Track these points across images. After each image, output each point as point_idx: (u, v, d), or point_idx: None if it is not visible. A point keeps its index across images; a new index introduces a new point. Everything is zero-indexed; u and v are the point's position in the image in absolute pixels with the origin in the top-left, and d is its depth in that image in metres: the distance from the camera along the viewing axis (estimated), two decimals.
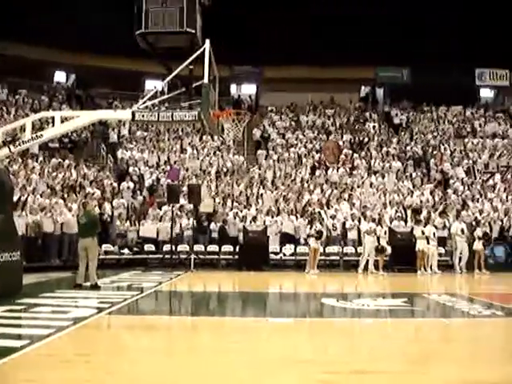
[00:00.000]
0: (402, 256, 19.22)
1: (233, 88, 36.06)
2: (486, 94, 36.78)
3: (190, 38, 13.35)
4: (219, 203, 21.83)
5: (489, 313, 10.02)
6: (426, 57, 30.83)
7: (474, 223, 20.11)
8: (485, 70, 34.93)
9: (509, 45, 30.38)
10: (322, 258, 19.87)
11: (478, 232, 19.59)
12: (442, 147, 27.92)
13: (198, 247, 20.28)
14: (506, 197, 23.46)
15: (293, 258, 20.26)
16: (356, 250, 20.18)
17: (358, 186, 23.83)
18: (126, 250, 20.26)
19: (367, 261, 18.90)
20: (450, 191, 23.86)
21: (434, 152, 27.49)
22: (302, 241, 20.37)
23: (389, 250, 19.07)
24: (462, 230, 19.53)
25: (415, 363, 6.31)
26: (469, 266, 19.36)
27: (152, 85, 27.64)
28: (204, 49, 12.85)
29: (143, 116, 13.37)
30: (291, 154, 26.88)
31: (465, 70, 33.42)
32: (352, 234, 20.61)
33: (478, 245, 19.46)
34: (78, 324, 8.12)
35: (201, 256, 20.08)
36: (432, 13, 31.52)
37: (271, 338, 7.91)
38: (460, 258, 19.55)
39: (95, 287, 12.58)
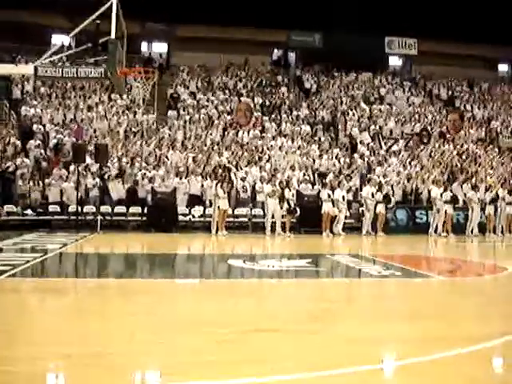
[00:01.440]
0: (308, 218, 19.66)
1: (144, 46, 35.24)
2: (395, 62, 37.76)
3: None
4: (127, 163, 21.34)
5: (388, 273, 10.44)
6: (337, 23, 31.19)
7: (377, 187, 20.71)
8: (394, 38, 35.70)
9: (417, 14, 31.26)
10: (231, 219, 20.00)
11: (379, 196, 20.21)
12: (351, 112, 28.50)
13: (105, 208, 19.84)
14: (410, 162, 24.31)
15: (201, 219, 20.21)
16: (264, 212, 20.39)
17: (268, 149, 23.97)
18: (29, 211, 19.43)
19: (274, 223, 19.17)
20: (356, 156, 24.42)
21: (343, 117, 28.02)
22: (208, 203, 20.25)
23: (298, 211, 19.45)
24: (373, 194, 20.12)
25: (317, 321, 6.49)
26: (372, 228, 20.06)
27: (59, 40, 26.46)
28: (111, 3, 12.44)
29: (46, 71, 12.88)
30: (202, 115, 26.64)
31: (375, 37, 34.09)
32: (261, 197, 20.73)
33: (379, 208, 20.13)
34: None
35: (108, 217, 19.70)
36: None
37: (177, 300, 7.93)
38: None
39: None
